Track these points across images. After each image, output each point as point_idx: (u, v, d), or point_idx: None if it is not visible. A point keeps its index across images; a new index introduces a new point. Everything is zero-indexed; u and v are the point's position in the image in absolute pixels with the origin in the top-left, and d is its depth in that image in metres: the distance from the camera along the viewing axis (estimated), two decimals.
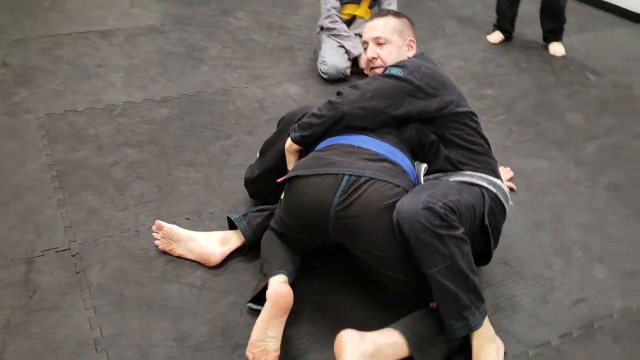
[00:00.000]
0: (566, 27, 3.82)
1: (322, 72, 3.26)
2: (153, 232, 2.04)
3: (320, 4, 3.37)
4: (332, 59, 3.23)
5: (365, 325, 1.65)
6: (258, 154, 2.20)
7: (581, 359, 1.70)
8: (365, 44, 2.01)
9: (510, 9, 3.87)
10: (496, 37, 3.92)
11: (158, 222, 2.01)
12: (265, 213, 2.01)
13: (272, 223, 1.90)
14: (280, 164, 2.07)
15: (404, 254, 1.60)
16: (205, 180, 2.39)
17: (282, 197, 1.82)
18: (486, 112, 3.04)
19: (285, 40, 3.80)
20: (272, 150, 2.09)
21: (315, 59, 3.49)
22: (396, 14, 2.00)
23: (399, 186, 1.63)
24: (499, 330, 1.75)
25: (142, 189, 2.31)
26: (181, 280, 1.90)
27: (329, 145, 1.80)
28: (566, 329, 1.80)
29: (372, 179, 1.62)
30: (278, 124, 2.12)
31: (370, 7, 3.44)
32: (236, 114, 2.91)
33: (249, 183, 2.22)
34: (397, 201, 1.59)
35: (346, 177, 1.62)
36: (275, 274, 1.72)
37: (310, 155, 1.79)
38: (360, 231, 1.63)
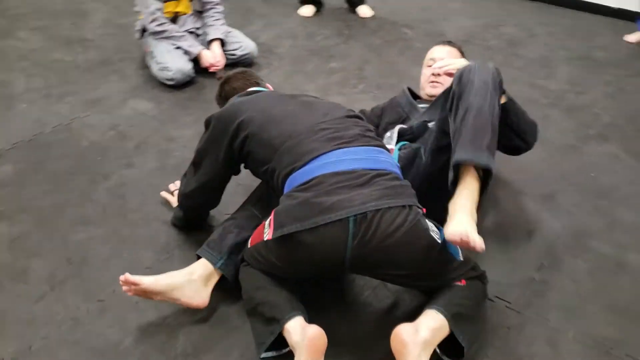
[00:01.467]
0: None
1: (167, 79, 2.96)
2: (122, 284, 1.67)
3: (140, 6, 3.03)
4: (175, 63, 2.95)
5: (383, 323, 1.61)
6: (191, 165, 1.93)
7: (564, 284, 1.89)
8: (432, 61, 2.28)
9: None
10: (308, 10, 3.97)
11: (127, 277, 1.64)
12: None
13: (254, 262, 1.68)
14: (219, 175, 1.87)
15: (434, 265, 1.59)
16: (116, 235, 2.03)
17: (267, 244, 1.60)
18: (346, 84, 3.09)
19: (96, 53, 3.35)
20: (207, 161, 1.85)
21: (145, 67, 3.15)
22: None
23: (404, 206, 1.52)
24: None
25: (47, 268, 1.88)
26: (168, 353, 1.61)
27: (310, 180, 1.56)
28: (537, 261, 1.97)
29: (378, 210, 1.48)
30: (206, 126, 1.85)
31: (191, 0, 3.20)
32: (97, 149, 2.50)
33: (185, 198, 1.96)
34: (413, 224, 1.51)
35: (352, 220, 1.48)
36: (290, 317, 1.54)
37: (296, 200, 1.54)
38: (383, 263, 1.56)
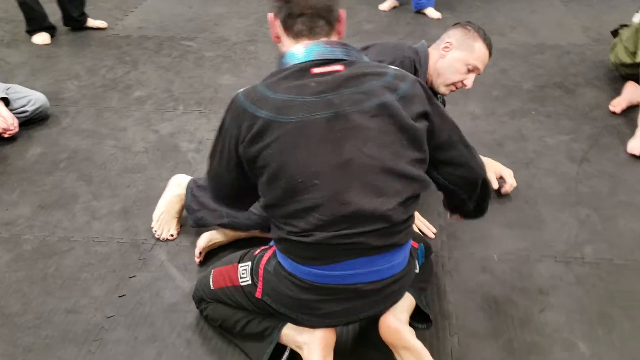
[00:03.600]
0: None
1: None
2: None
3: None
4: None
5: None
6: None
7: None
8: (476, 70, 2.02)
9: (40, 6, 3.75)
10: (44, 37, 3.74)
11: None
12: None
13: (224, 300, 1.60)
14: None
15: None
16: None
17: (251, 295, 1.51)
18: (164, 110, 2.93)
19: None
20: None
21: None
22: None
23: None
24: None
25: None
26: None
27: (306, 281, 1.37)
28: (436, 211, 2.20)
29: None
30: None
31: None
32: None
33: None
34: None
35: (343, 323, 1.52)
36: (284, 323, 1.52)
37: (289, 291, 1.41)
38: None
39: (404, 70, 1.40)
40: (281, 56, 1.37)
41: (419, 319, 1.65)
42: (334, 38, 1.39)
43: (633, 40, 2.82)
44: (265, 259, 1.48)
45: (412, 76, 1.38)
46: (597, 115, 2.75)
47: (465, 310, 1.78)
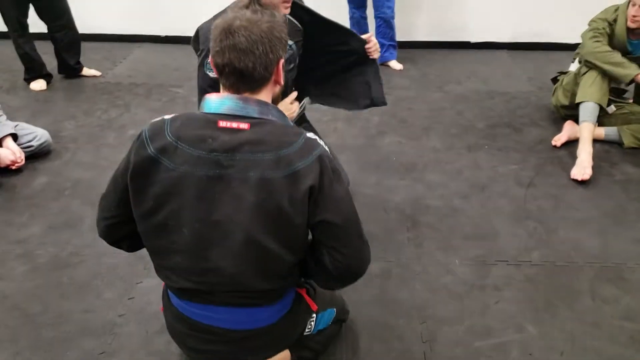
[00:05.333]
0: None
1: None
2: None
3: None
4: None
5: None
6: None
7: (428, 233, 2.47)
8: None
9: (39, 56, 4.04)
10: (40, 84, 4.03)
11: None
12: None
13: None
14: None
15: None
16: None
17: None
18: None
19: None
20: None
21: None
22: None
23: None
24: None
25: None
26: None
27: (188, 320, 1.51)
28: (404, 225, 2.52)
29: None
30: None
31: None
32: None
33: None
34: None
35: None
36: None
37: (172, 316, 1.58)
38: None
39: (315, 142, 1.34)
40: (202, 100, 1.37)
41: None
42: (264, 92, 1.36)
43: (571, 85, 3.26)
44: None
45: (319, 151, 1.32)
46: (541, 149, 3.16)
47: (433, 303, 2.08)
